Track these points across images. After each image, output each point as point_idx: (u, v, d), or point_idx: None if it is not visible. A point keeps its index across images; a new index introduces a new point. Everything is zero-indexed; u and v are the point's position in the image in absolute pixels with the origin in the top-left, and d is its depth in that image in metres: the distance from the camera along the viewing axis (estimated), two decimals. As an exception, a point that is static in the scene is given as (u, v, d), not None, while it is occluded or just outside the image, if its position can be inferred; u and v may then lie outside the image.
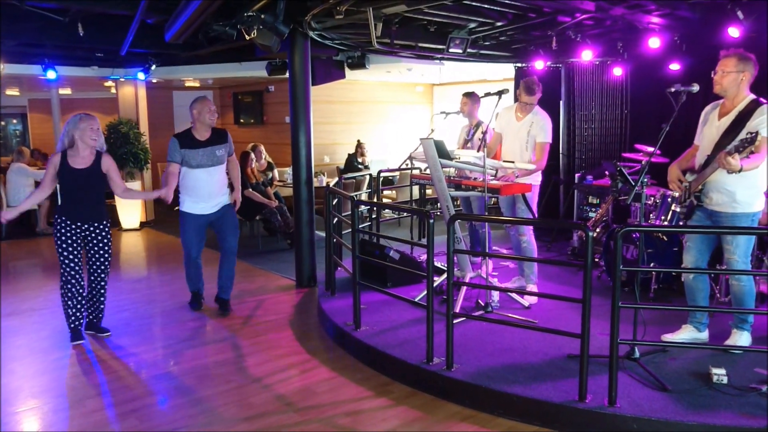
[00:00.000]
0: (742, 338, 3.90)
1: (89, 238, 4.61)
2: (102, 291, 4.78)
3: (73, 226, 4.54)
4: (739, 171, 3.42)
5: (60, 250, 4.53)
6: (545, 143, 4.97)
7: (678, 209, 4.15)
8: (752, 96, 3.75)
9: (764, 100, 3.70)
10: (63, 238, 4.52)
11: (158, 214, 10.54)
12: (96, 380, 4.06)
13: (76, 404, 3.72)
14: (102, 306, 4.83)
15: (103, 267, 4.71)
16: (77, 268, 4.59)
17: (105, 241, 4.66)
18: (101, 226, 4.64)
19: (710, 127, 3.88)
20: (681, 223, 4.28)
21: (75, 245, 4.56)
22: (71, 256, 4.54)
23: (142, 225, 9.90)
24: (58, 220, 4.54)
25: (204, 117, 5.06)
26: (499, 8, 5.45)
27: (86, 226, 4.58)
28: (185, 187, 5.13)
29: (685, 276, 4.19)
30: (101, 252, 4.67)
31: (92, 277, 4.72)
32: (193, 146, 5.03)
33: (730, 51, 3.75)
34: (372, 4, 4.76)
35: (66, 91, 12.79)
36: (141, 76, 9.35)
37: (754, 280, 4.80)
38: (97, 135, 4.53)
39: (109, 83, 10.61)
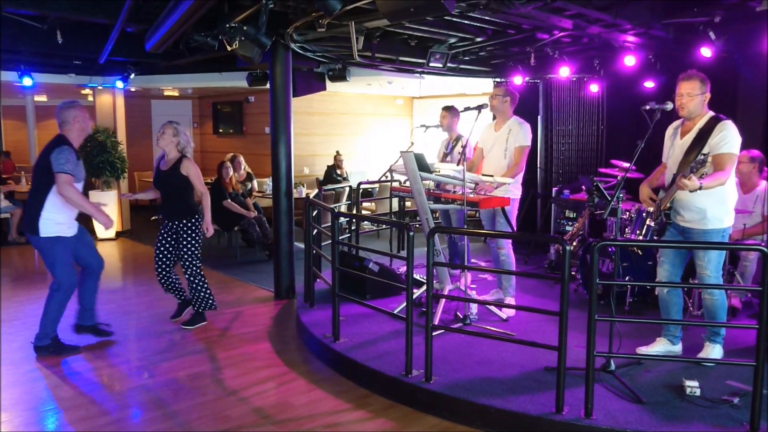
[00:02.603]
0: (714, 351, 3.97)
1: (176, 235, 5.13)
2: (191, 283, 5.18)
3: (166, 222, 5.15)
4: (700, 189, 3.52)
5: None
6: (523, 147, 5.05)
7: (653, 225, 4.25)
8: (711, 113, 3.87)
9: (723, 116, 3.82)
10: (160, 232, 5.22)
11: (134, 224, 10.41)
12: (69, 393, 3.98)
13: (48, 418, 3.65)
14: (195, 294, 5.22)
15: (187, 261, 5.10)
16: (163, 258, 5.18)
17: (187, 237, 5.08)
18: (183, 224, 5.06)
19: (674, 145, 3.98)
20: (655, 239, 4.37)
21: (163, 240, 5.17)
22: (159, 248, 5.18)
23: (118, 235, 9.77)
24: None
25: (87, 124, 4.62)
26: (478, 24, 5.53)
27: (171, 223, 5.11)
28: (57, 205, 4.41)
29: (659, 290, 4.27)
30: (185, 248, 5.09)
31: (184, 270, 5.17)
32: (77, 158, 4.50)
33: (690, 73, 3.85)
34: (354, 18, 4.80)
35: (42, 98, 12.61)
36: (119, 84, 9.27)
37: (725, 294, 4.93)
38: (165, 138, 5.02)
39: (87, 91, 10.50)
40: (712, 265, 3.86)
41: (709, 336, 4.03)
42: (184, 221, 5.05)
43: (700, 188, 3.52)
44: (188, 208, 5.10)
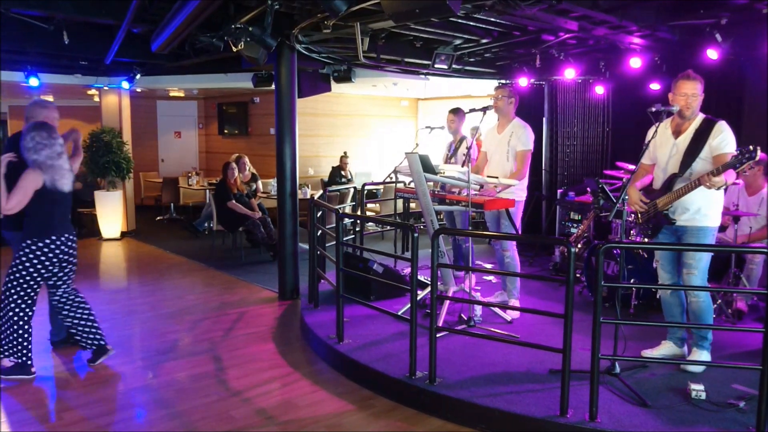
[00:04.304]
0: (701, 357, 3.92)
1: None
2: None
3: None
4: (725, 185, 3.56)
5: None
6: (526, 151, 5.03)
7: (645, 227, 4.22)
8: (703, 114, 3.88)
9: (714, 117, 3.83)
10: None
11: (139, 224, 10.44)
12: (73, 393, 3.99)
13: (52, 417, 3.66)
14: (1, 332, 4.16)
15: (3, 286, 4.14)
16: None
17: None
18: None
19: (667, 146, 3.96)
20: (646, 240, 4.35)
21: None
22: None
23: (123, 235, 9.79)
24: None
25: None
26: (484, 26, 5.53)
27: None
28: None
29: (662, 292, 4.25)
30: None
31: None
32: None
33: (691, 74, 3.84)
34: (359, 19, 4.80)
35: (48, 99, 12.66)
36: (125, 85, 9.30)
37: (733, 297, 4.91)
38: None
39: (93, 91, 10.53)
40: (701, 264, 3.84)
41: (696, 341, 3.97)
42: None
43: (725, 185, 3.56)
44: (14, 223, 4.17)
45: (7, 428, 3.52)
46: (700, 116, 3.87)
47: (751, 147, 3.46)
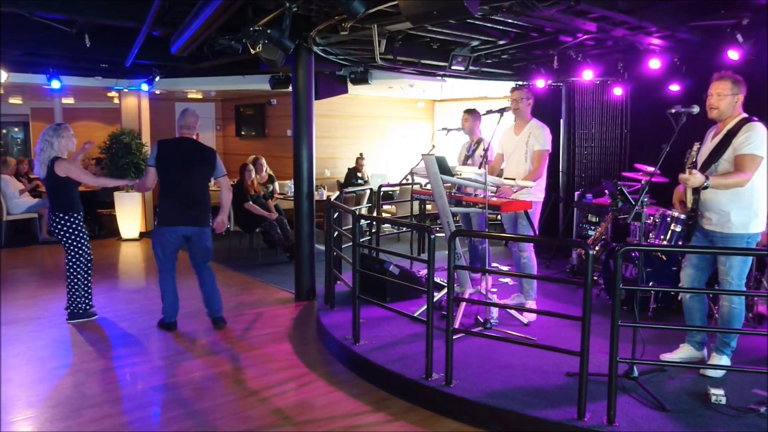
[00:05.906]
0: (721, 362, 3.86)
1: None
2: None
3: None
4: (705, 186, 3.57)
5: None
6: (543, 151, 5.01)
7: (678, 229, 4.19)
8: (744, 114, 3.80)
9: (755, 119, 3.75)
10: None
11: (158, 225, 10.53)
12: (93, 390, 4.04)
13: (72, 414, 3.70)
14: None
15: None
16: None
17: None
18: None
19: (706, 147, 3.92)
20: (680, 243, 4.32)
21: None
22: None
23: (142, 235, 9.89)
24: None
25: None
26: (501, 27, 5.50)
27: None
28: None
29: (682, 295, 4.20)
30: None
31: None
32: None
33: (723, 74, 3.79)
34: (376, 21, 4.81)
35: (69, 101, 12.85)
36: (145, 87, 9.41)
37: (754, 300, 4.83)
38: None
39: (113, 93, 10.67)
40: (734, 271, 3.75)
41: (718, 345, 3.90)
42: None
43: (705, 186, 3.52)
44: None
45: (28, 426, 3.58)
46: (739, 117, 3.79)
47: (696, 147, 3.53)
